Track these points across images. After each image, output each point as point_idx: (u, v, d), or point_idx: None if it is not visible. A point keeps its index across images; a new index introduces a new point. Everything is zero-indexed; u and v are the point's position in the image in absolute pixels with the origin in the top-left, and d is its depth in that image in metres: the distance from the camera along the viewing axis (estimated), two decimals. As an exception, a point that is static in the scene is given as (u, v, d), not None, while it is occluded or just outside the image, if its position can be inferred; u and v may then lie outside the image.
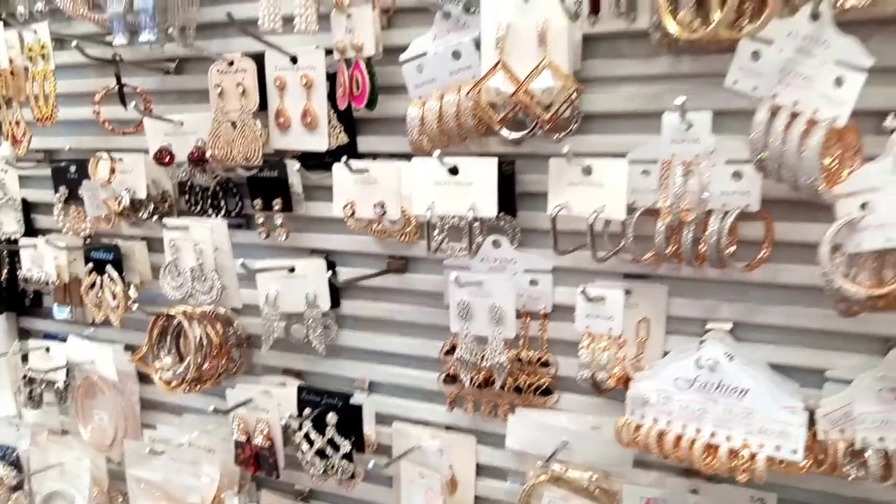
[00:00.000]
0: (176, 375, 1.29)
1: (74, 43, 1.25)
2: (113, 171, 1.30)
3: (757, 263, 0.94)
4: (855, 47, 0.77)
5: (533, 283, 1.10)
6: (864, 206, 0.79)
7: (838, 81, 0.78)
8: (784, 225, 0.93)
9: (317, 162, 1.20)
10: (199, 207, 1.31)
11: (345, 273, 1.25)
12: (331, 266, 1.24)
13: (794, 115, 0.81)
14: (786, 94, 0.82)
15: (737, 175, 0.91)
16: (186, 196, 1.32)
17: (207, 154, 1.19)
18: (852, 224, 0.79)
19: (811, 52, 0.80)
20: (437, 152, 0.98)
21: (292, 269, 1.21)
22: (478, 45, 0.99)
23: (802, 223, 0.92)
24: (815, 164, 0.78)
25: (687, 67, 0.96)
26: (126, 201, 1.30)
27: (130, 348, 1.49)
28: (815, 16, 0.79)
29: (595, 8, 0.92)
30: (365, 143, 1.19)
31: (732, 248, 0.93)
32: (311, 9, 1.05)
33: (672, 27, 0.86)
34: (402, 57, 1.06)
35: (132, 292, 1.38)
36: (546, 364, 1.12)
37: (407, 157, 1.10)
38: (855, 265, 0.81)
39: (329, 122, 1.15)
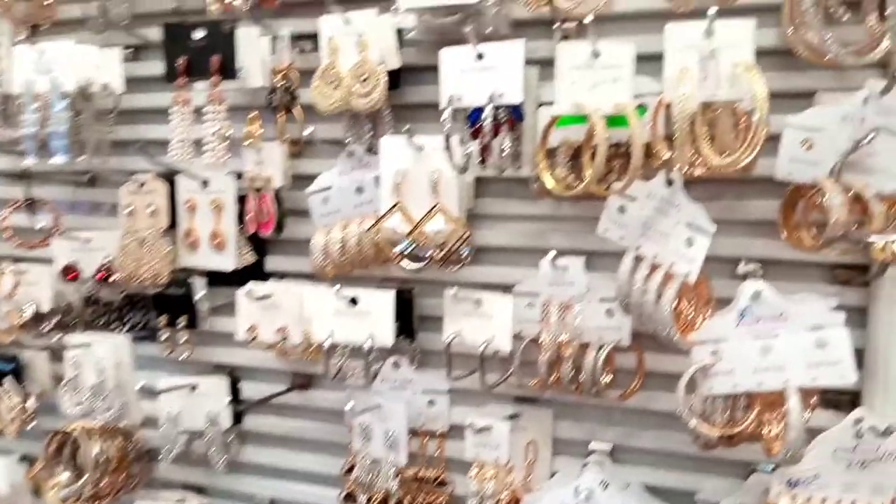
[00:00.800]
0: (72, 492, 1.26)
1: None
2: (17, 284, 1.29)
3: (630, 393, 1.02)
4: (702, 213, 0.88)
5: (431, 403, 1.15)
6: (714, 353, 0.88)
7: (689, 241, 0.88)
8: (655, 356, 1.02)
9: (224, 280, 1.23)
10: (103, 321, 1.31)
11: (248, 388, 1.27)
12: (235, 381, 1.26)
13: (654, 267, 0.90)
14: (647, 246, 0.92)
15: (609, 312, 1.00)
16: (91, 309, 1.32)
17: (114, 275, 1.20)
18: (705, 369, 0.87)
19: (667, 212, 0.90)
20: (336, 286, 1.03)
21: (194, 388, 1.22)
22: (379, 181, 1.06)
23: (671, 355, 1.00)
24: (668, 316, 0.87)
25: (567, 210, 1.06)
26: (29, 314, 1.29)
27: (27, 458, 1.45)
28: (668, 182, 0.90)
29: (484, 160, 1.01)
30: (272, 262, 1.23)
31: (608, 379, 1.01)
32: (220, 143, 1.10)
33: (549, 183, 0.95)
34: (309, 189, 1.12)
35: (31, 403, 1.35)
36: (443, 483, 1.15)
37: (312, 276, 1.15)
38: (710, 404, 0.89)
39: (237, 242, 1.19)
